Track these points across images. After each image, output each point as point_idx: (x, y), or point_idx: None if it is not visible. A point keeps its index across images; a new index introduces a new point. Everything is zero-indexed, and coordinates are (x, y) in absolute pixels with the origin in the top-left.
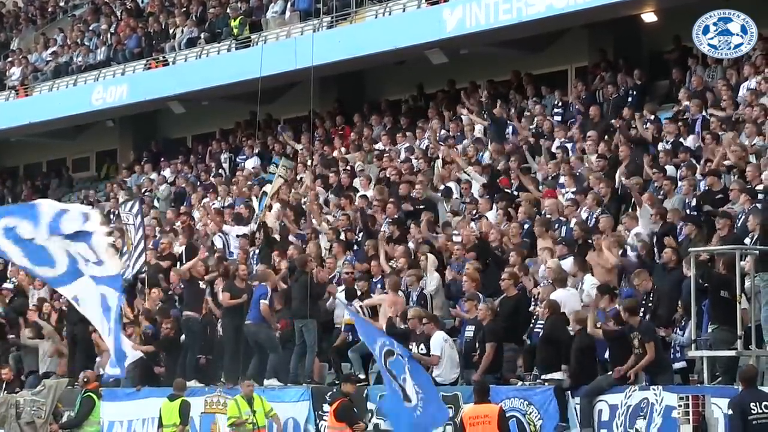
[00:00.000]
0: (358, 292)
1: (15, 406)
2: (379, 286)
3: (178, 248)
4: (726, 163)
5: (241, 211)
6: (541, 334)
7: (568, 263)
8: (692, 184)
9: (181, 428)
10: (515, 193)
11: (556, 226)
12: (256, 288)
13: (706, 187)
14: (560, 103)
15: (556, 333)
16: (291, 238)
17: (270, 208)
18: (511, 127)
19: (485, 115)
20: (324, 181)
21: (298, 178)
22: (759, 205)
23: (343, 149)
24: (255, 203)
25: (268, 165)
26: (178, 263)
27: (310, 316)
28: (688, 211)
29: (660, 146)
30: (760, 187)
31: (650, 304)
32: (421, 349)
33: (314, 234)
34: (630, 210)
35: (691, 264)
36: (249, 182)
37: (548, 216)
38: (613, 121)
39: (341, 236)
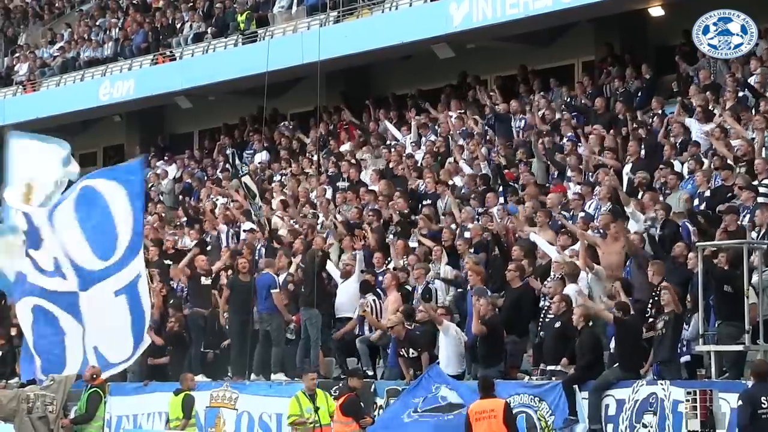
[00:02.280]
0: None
1: (26, 400)
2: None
3: (189, 243)
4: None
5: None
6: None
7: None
8: (707, 176)
9: (184, 422)
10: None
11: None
12: (259, 276)
13: (721, 182)
14: (568, 98)
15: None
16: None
17: (280, 207)
18: (518, 121)
19: (489, 111)
20: (332, 177)
21: (305, 170)
22: (761, 199)
23: (349, 144)
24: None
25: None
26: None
27: (317, 305)
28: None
29: (667, 140)
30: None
31: (656, 297)
32: (411, 354)
33: (312, 229)
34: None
35: (698, 259)
36: (256, 177)
37: (551, 209)
38: (620, 115)
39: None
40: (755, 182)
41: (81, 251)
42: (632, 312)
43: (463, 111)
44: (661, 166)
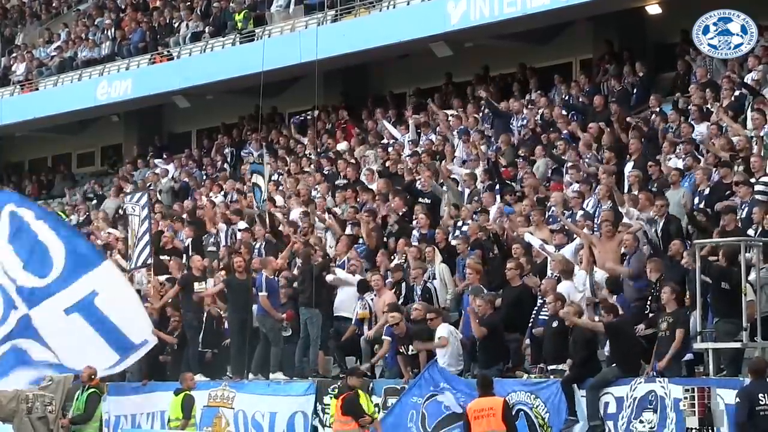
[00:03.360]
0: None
1: (25, 401)
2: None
3: (185, 241)
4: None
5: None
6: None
7: (568, 251)
8: (707, 173)
9: (183, 422)
10: (515, 184)
11: (560, 219)
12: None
13: (719, 179)
14: (566, 97)
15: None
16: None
17: (274, 201)
18: (519, 120)
19: (486, 109)
20: (330, 175)
21: (304, 169)
22: (759, 197)
23: (346, 143)
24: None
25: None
26: (184, 256)
27: (317, 305)
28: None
29: (666, 137)
30: (765, 179)
31: (655, 294)
32: (411, 351)
33: (311, 228)
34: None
35: (696, 256)
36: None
37: (552, 207)
38: (616, 113)
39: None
40: (753, 179)
41: (18, 272)
42: (621, 312)
43: (462, 109)
44: (650, 163)
